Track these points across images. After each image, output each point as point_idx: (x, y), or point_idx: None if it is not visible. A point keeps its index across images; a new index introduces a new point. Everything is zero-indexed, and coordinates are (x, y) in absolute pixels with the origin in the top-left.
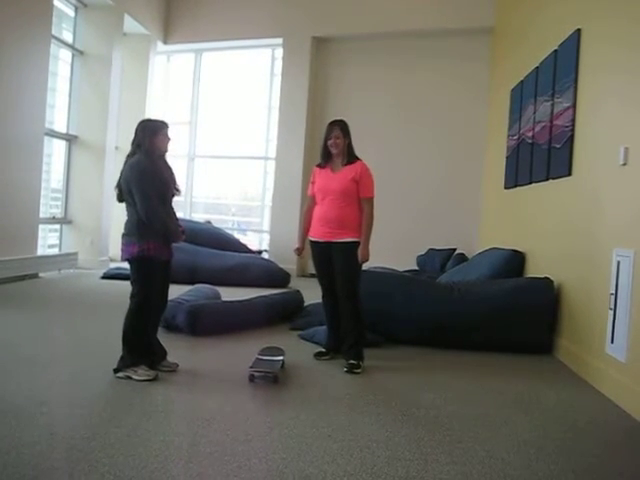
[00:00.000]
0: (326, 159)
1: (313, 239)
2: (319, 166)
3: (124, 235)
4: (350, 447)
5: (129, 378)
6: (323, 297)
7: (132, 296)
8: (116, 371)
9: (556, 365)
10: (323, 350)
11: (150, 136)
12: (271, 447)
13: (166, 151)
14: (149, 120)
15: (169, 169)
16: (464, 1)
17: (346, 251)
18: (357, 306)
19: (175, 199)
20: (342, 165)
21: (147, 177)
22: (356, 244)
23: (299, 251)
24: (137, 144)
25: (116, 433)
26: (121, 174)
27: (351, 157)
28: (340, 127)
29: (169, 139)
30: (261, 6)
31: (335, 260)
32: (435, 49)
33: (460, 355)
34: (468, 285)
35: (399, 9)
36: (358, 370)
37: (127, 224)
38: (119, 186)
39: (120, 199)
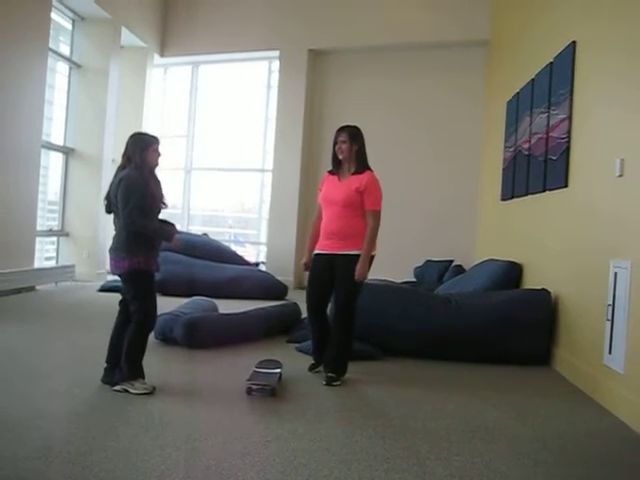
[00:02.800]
0: (335, 166)
1: (317, 251)
2: (330, 172)
3: (112, 250)
4: (348, 460)
5: (126, 391)
6: (309, 317)
7: (133, 313)
8: (113, 384)
9: (554, 376)
10: (314, 362)
11: (141, 151)
12: (269, 460)
13: (156, 165)
14: (140, 134)
15: (158, 183)
16: (460, 13)
17: (349, 263)
18: (350, 321)
19: (172, 212)
20: (350, 174)
21: (136, 190)
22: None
23: (306, 266)
24: (127, 158)
25: (113, 447)
26: (110, 186)
27: (360, 166)
28: (347, 132)
29: (159, 154)
30: (258, 19)
31: (336, 272)
32: (431, 61)
33: (458, 367)
34: (465, 297)
35: (395, 22)
36: (337, 383)
37: (115, 238)
38: (108, 198)
39: (108, 210)
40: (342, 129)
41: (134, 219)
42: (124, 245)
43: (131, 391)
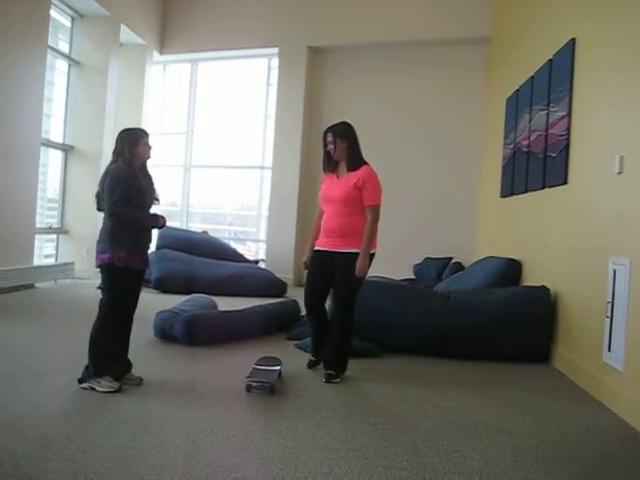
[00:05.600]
0: (330, 165)
1: (316, 248)
2: (330, 171)
3: (98, 242)
4: (348, 457)
5: (92, 389)
6: (307, 314)
7: (100, 305)
8: (80, 381)
9: (553, 374)
10: (313, 359)
11: (129, 146)
12: (268, 458)
13: (148, 158)
14: (128, 130)
15: (148, 178)
16: (460, 11)
17: (349, 261)
18: (349, 318)
19: (172, 209)
20: (347, 171)
21: (122, 181)
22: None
23: (306, 265)
24: (117, 154)
25: (113, 445)
26: (100, 183)
27: (355, 162)
28: (332, 132)
29: (150, 147)
30: (257, 16)
31: (336, 270)
32: (431, 58)
33: (457, 364)
34: (464, 294)
35: (395, 19)
36: (336, 380)
37: (101, 231)
38: (98, 195)
39: (99, 208)
40: (327, 130)
41: (119, 208)
42: (108, 237)
43: (97, 389)
